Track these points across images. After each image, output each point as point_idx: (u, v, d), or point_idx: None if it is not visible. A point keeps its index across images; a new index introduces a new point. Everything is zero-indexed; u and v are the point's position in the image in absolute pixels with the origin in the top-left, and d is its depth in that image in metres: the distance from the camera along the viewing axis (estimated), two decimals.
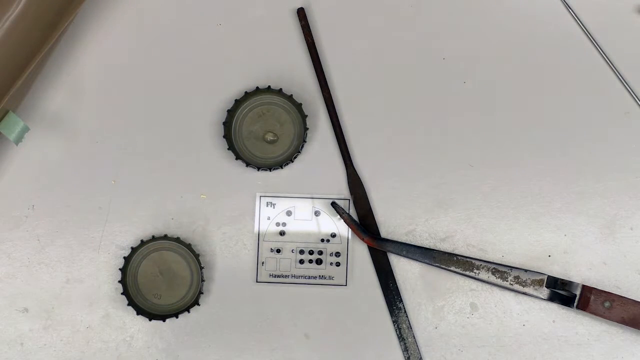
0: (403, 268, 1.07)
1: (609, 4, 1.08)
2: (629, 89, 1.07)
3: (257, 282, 1.07)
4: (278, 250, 1.07)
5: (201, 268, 1.05)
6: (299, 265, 1.07)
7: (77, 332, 1.07)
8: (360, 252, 1.07)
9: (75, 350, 1.07)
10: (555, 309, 1.06)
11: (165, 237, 1.06)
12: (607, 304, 1.03)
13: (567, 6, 1.08)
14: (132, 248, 1.06)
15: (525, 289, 1.04)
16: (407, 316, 1.06)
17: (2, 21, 0.96)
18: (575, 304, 1.04)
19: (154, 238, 1.06)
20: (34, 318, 1.07)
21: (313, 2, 1.08)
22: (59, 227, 1.08)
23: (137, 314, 1.05)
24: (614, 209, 1.07)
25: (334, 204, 1.06)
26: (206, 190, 1.08)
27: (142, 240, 1.06)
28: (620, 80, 1.07)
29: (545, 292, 1.04)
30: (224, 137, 1.06)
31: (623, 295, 1.04)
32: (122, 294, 1.06)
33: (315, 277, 1.07)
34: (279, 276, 1.07)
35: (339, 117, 1.08)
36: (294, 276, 1.07)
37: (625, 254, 1.06)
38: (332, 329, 1.07)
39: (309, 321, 1.07)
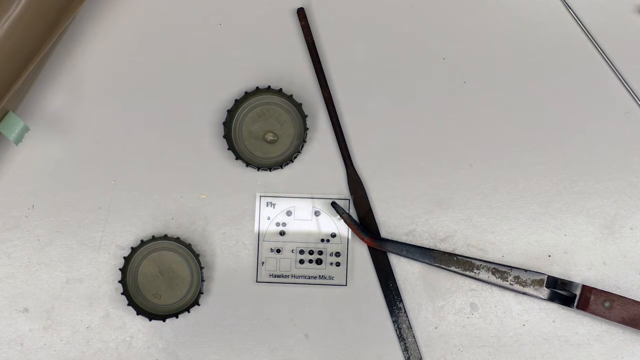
0: (403, 268, 1.07)
1: (609, 4, 1.08)
2: (629, 89, 1.07)
3: (257, 282, 1.07)
4: (278, 250, 1.07)
5: (201, 268, 1.05)
6: (299, 265, 1.07)
7: (77, 332, 1.07)
8: (360, 252, 1.07)
9: (75, 350, 1.07)
10: (555, 309, 1.06)
11: (165, 237, 1.06)
12: (607, 304, 1.03)
13: (567, 6, 1.08)
14: (132, 248, 1.06)
15: (525, 289, 1.04)
16: (407, 316, 1.06)
17: (2, 21, 0.96)
18: (575, 304, 1.04)
19: (154, 238, 1.06)
20: (34, 318, 1.07)
21: (313, 2, 1.08)
22: (59, 227, 1.08)
23: (137, 314, 1.05)
24: (614, 209, 1.07)
25: (334, 204, 1.06)
26: (206, 190, 1.08)
27: (142, 240, 1.06)
28: (620, 80, 1.07)
29: (545, 292, 1.04)
30: (224, 137, 1.06)
31: (623, 295, 1.04)
32: (122, 294, 1.06)
33: (315, 277, 1.07)
34: (279, 276, 1.07)
35: (339, 117, 1.08)
36: (294, 276, 1.07)
37: (625, 254, 1.06)
38: (332, 329, 1.07)
39: (309, 321, 1.07)
